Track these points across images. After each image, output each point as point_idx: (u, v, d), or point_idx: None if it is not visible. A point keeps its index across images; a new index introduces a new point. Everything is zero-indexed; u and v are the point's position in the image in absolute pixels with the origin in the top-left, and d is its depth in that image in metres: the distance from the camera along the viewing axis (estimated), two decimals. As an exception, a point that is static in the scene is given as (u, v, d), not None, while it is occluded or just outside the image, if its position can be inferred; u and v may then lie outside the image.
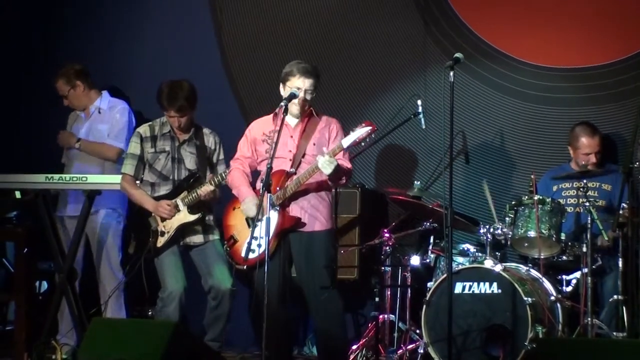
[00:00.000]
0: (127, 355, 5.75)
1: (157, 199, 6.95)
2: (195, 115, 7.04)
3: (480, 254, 7.04)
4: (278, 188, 6.30)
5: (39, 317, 7.11)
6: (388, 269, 7.26)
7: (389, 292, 7.25)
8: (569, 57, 7.57)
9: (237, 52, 8.24)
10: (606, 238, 6.83)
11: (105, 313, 7.43)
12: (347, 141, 6.22)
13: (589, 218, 6.67)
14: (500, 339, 6.66)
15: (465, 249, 7.14)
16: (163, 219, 6.92)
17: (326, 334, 6.39)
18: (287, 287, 6.39)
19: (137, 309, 7.74)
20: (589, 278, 6.65)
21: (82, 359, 5.96)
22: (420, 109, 7.49)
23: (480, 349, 6.69)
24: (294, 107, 6.36)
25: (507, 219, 7.05)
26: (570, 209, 7.17)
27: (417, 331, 7.07)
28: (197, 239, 6.97)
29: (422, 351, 6.93)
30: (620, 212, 6.40)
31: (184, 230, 6.94)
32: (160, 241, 6.92)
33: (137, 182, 7.02)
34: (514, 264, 7.10)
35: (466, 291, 6.79)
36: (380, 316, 7.20)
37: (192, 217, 6.91)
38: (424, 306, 6.83)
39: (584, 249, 6.73)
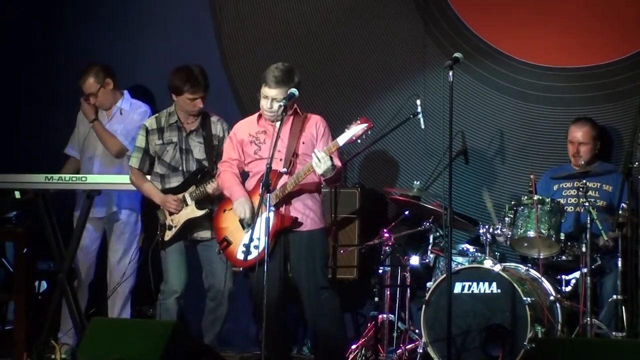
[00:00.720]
0: (126, 355, 5.75)
1: (167, 191, 6.95)
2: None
3: (479, 254, 7.04)
4: (272, 189, 6.26)
5: (39, 317, 7.12)
6: (387, 268, 7.26)
7: (388, 292, 7.26)
8: (569, 57, 7.57)
9: (237, 52, 8.24)
10: (605, 238, 6.84)
11: (112, 312, 7.43)
12: (343, 139, 6.19)
13: (589, 218, 6.67)
14: (500, 338, 6.65)
15: (465, 249, 7.14)
16: (171, 213, 6.93)
17: (325, 334, 6.38)
18: (285, 287, 6.39)
19: (136, 308, 7.74)
20: (589, 278, 6.65)
21: (81, 358, 5.96)
22: (419, 109, 7.48)
23: (480, 349, 6.69)
24: (265, 113, 6.35)
25: (506, 219, 7.05)
26: (570, 209, 7.17)
27: (417, 331, 7.07)
28: (205, 234, 6.97)
29: (421, 351, 6.93)
30: (620, 212, 6.40)
31: (192, 224, 6.95)
32: (168, 235, 6.93)
33: (148, 176, 7.02)
34: (513, 264, 7.10)
35: (465, 291, 6.79)
36: (380, 316, 7.20)
37: (200, 213, 6.90)
38: (423, 306, 6.83)
39: (584, 249, 6.73)
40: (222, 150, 6.79)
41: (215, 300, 6.99)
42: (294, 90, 6.28)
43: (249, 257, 6.17)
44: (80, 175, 7.22)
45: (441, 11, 7.84)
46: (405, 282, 7.30)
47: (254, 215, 6.16)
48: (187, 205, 6.91)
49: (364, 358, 7.17)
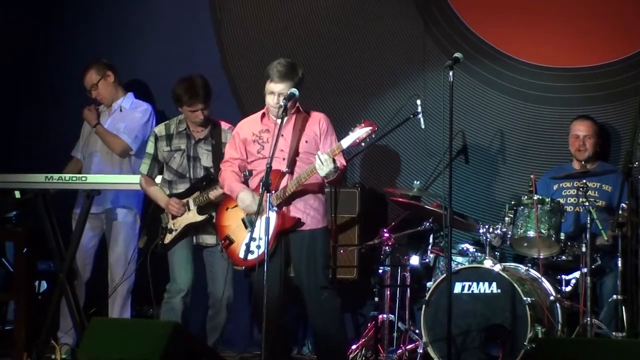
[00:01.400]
0: (126, 355, 5.74)
1: (173, 196, 6.96)
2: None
3: (479, 254, 7.04)
4: (274, 191, 6.26)
5: (39, 317, 7.12)
6: (387, 268, 7.26)
7: (388, 292, 7.26)
8: (569, 57, 7.57)
9: (237, 52, 8.24)
10: (605, 238, 6.84)
11: (112, 312, 7.43)
12: (346, 141, 6.18)
13: (589, 218, 6.68)
14: (500, 338, 6.66)
15: (465, 248, 7.14)
16: (174, 217, 6.94)
17: (325, 334, 6.38)
18: (286, 288, 6.39)
19: (136, 308, 7.74)
20: (588, 278, 6.65)
21: (81, 358, 5.96)
22: (419, 109, 7.49)
23: (480, 349, 6.70)
24: (272, 109, 6.34)
25: (506, 218, 7.05)
26: (570, 209, 7.17)
27: (417, 331, 7.07)
28: (210, 239, 6.97)
29: (421, 351, 6.93)
30: (620, 212, 6.40)
31: (193, 229, 6.95)
32: (168, 238, 6.94)
33: (158, 182, 7.05)
34: (513, 264, 7.10)
35: (465, 291, 6.79)
36: (380, 316, 7.20)
37: (200, 218, 6.91)
38: (423, 306, 6.83)
39: (584, 249, 6.73)
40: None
41: (214, 307, 7.02)
42: (294, 90, 6.27)
43: (251, 257, 6.17)
44: (80, 175, 7.22)
45: (441, 11, 7.84)
46: (405, 282, 7.30)
47: (257, 210, 6.13)
48: (189, 210, 6.92)
49: (364, 358, 7.17)
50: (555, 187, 7.28)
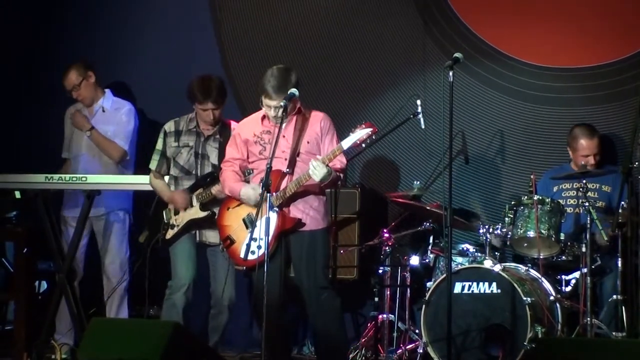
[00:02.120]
0: (126, 355, 5.75)
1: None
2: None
3: (479, 254, 7.04)
4: (275, 191, 6.27)
5: (39, 317, 7.12)
6: (387, 268, 7.26)
7: (388, 292, 7.26)
8: (569, 57, 7.57)
9: (237, 52, 8.24)
10: (605, 238, 6.84)
11: (110, 312, 7.43)
12: (347, 143, 6.18)
13: (589, 218, 6.68)
14: (500, 338, 6.66)
15: (465, 249, 7.15)
16: (176, 212, 6.95)
17: (325, 334, 6.38)
18: (286, 288, 6.39)
19: (136, 308, 7.74)
20: (588, 278, 6.65)
21: (81, 358, 5.96)
22: (419, 109, 7.49)
23: (480, 349, 6.70)
24: (272, 118, 6.33)
25: (506, 219, 7.05)
26: (570, 209, 7.17)
27: (417, 331, 7.07)
28: (213, 238, 6.95)
29: (421, 351, 6.93)
30: (620, 212, 6.40)
31: (195, 225, 6.95)
32: (170, 233, 6.95)
33: (166, 177, 7.06)
34: (513, 264, 7.11)
35: (465, 291, 6.79)
36: (380, 316, 7.20)
37: (202, 214, 6.91)
38: (423, 306, 6.83)
39: (583, 249, 6.73)
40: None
41: (216, 307, 7.03)
42: (294, 90, 6.26)
43: (252, 257, 6.17)
44: (80, 175, 7.21)
45: (441, 11, 7.84)
46: (405, 282, 7.30)
47: (261, 200, 6.13)
48: (192, 206, 6.93)
49: (364, 358, 7.17)
50: (555, 187, 7.28)
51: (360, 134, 6.15)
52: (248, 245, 6.10)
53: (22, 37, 8.47)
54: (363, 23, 7.99)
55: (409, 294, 7.27)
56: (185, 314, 6.90)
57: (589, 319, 6.61)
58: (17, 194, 7.12)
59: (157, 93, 8.11)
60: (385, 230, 7.27)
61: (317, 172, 6.14)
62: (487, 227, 7.06)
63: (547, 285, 6.88)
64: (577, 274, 6.92)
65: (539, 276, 6.93)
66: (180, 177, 7.01)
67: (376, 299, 7.14)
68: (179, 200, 6.93)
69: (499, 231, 7.03)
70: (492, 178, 7.69)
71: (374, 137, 6.20)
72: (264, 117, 6.45)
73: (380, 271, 7.27)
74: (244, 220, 6.41)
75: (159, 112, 7.79)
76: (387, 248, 7.24)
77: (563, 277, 7.02)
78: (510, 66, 7.67)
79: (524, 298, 6.62)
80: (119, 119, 7.62)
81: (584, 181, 6.80)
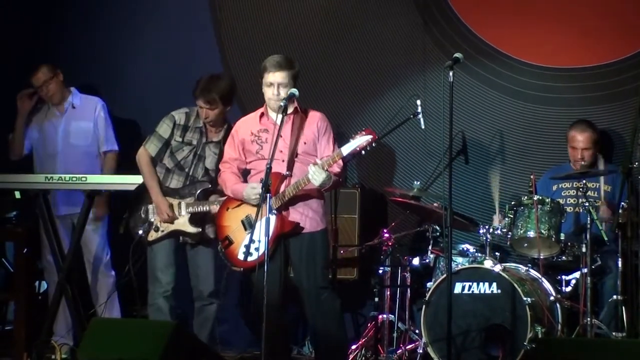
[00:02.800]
0: (126, 355, 5.75)
1: (165, 189, 6.93)
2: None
3: (479, 254, 7.04)
4: (273, 196, 6.26)
5: (39, 317, 7.12)
6: (387, 268, 7.26)
7: (388, 292, 7.26)
8: (569, 57, 7.57)
9: (237, 52, 8.24)
10: (605, 238, 6.84)
11: (103, 312, 7.43)
12: (346, 149, 6.16)
13: (589, 218, 6.67)
14: (500, 339, 6.66)
15: (465, 249, 7.14)
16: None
17: (325, 334, 6.38)
18: (286, 289, 6.39)
19: (135, 308, 7.72)
20: (589, 278, 6.65)
21: (81, 358, 5.96)
22: (419, 109, 7.49)
23: (480, 349, 6.70)
24: (272, 102, 6.32)
25: (506, 219, 7.05)
26: (570, 209, 7.17)
27: (417, 331, 7.07)
28: (193, 238, 6.94)
29: (421, 351, 6.93)
30: (620, 212, 6.40)
31: (186, 236, 6.92)
32: (152, 235, 6.90)
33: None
34: (513, 264, 7.11)
35: (466, 291, 6.79)
36: (380, 316, 7.20)
37: (191, 230, 6.88)
38: (423, 306, 6.83)
39: (584, 249, 6.73)
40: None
41: (199, 301, 6.99)
42: (294, 90, 6.27)
43: (250, 258, 6.17)
44: (80, 175, 7.17)
45: (441, 11, 7.84)
46: (405, 282, 7.30)
47: (258, 210, 6.12)
48: (180, 214, 6.89)
49: (364, 358, 7.17)
50: (554, 187, 7.27)
51: (360, 141, 6.14)
52: (247, 247, 6.10)
53: (22, 37, 8.46)
54: (363, 23, 7.99)
55: (409, 294, 7.27)
56: (172, 316, 6.88)
57: (589, 319, 6.61)
58: (17, 194, 7.12)
59: (157, 93, 8.10)
60: (385, 230, 7.27)
61: (316, 177, 6.14)
62: (487, 227, 7.06)
63: (547, 285, 6.88)
64: (577, 274, 6.92)
65: (539, 276, 6.93)
66: (172, 170, 6.96)
67: (376, 299, 7.14)
68: (164, 215, 6.85)
69: (498, 231, 7.03)
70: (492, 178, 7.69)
71: (374, 144, 6.18)
72: (262, 115, 6.44)
73: (380, 271, 7.27)
74: (242, 221, 6.41)
75: (159, 112, 7.75)
76: (387, 248, 7.23)
77: (563, 277, 7.02)
78: (510, 66, 7.67)
79: (524, 298, 6.62)
80: (96, 116, 7.66)
81: (584, 181, 6.80)
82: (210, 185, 6.92)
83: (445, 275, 6.54)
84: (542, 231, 6.85)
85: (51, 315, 7.14)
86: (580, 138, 7.18)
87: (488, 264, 6.85)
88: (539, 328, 6.62)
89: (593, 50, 7.52)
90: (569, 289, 6.99)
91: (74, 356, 7.06)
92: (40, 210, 7.04)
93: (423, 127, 7.51)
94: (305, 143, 6.36)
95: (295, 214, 6.33)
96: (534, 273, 6.97)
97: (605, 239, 6.85)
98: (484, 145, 7.73)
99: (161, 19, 8.39)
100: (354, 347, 7.23)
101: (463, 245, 7.19)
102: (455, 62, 6.14)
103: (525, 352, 6.56)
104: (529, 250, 7.03)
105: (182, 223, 6.88)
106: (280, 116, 6.22)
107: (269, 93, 6.32)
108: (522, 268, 7.02)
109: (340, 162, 6.29)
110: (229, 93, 6.92)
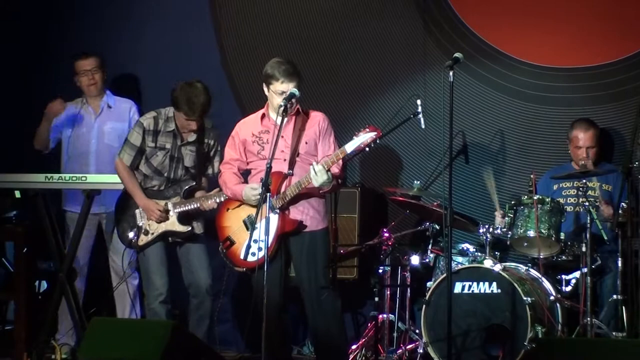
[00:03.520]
0: (126, 355, 5.75)
1: (147, 191, 6.91)
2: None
3: (479, 254, 7.04)
4: (276, 195, 6.26)
5: (39, 317, 7.11)
6: (387, 268, 7.26)
7: (388, 292, 7.26)
8: (569, 57, 7.57)
9: (237, 52, 8.24)
10: (606, 238, 6.84)
11: (123, 312, 7.42)
12: (350, 146, 6.15)
13: (589, 218, 6.67)
14: (500, 338, 6.66)
15: (465, 248, 7.14)
16: (149, 217, 6.90)
17: (325, 334, 6.38)
18: (286, 289, 6.39)
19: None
20: (589, 278, 6.65)
21: (81, 358, 5.97)
22: (419, 109, 7.49)
23: (480, 349, 6.70)
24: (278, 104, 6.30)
25: (506, 218, 7.05)
26: (570, 208, 7.17)
27: (417, 331, 7.07)
28: (183, 236, 6.93)
29: (421, 351, 6.93)
30: (620, 211, 6.40)
31: (176, 237, 6.90)
32: (143, 239, 6.88)
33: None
34: (513, 264, 7.10)
35: (465, 291, 6.79)
36: (380, 316, 7.20)
37: (182, 229, 6.86)
38: (424, 306, 6.83)
39: (584, 249, 6.73)
40: (211, 156, 6.92)
41: (197, 297, 6.94)
42: (294, 90, 6.27)
43: (252, 258, 6.16)
44: (80, 175, 7.19)
45: (441, 11, 7.84)
46: (405, 282, 7.30)
47: (258, 210, 6.12)
48: (169, 215, 6.87)
49: (364, 358, 7.17)
50: (555, 186, 7.28)
51: (364, 137, 6.12)
52: (248, 247, 6.10)
53: (22, 37, 8.47)
54: (363, 23, 7.98)
55: (409, 294, 7.27)
56: (170, 319, 6.88)
57: (589, 319, 6.61)
58: (17, 194, 7.12)
59: (157, 93, 8.08)
60: (385, 230, 7.27)
61: (318, 177, 6.13)
62: (487, 227, 7.06)
63: (547, 285, 6.88)
64: (577, 274, 6.92)
65: (539, 276, 6.93)
66: (150, 176, 6.94)
67: (376, 299, 7.13)
68: (155, 216, 6.83)
69: (498, 231, 7.03)
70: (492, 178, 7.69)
71: (377, 141, 6.17)
72: (263, 116, 6.44)
73: (380, 271, 7.27)
74: (244, 221, 6.41)
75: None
76: (387, 248, 7.23)
77: (563, 277, 7.02)
78: (510, 66, 7.67)
79: (524, 298, 6.62)
80: (131, 118, 7.65)
81: (584, 180, 6.80)
82: (194, 183, 6.92)
83: (445, 275, 6.54)
84: (542, 231, 6.85)
85: (51, 315, 7.14)
86: (584, 137, 7.18)
87: (488, 263, 6.86)
88: (539, 328, 6.62)
89: (593, 50, 7.52)
90: (569, 288, 6.99)
91: (74, 356, 7.06)
92: (40, 210, 7.05)
93: (423, 126, 7.51)
94: (306, 143, 6.36)
95: (297, 213, 6.33)
96: (534, 273, 6.97)
97: (605, 238, 6.85)
98: (484, 145, 7.73)
99: (161, 19, 8.39)
100: (354, 347, 7.23)
101: (463, 245, 7.19)
102: (455, 62, 6.14)
103: (525, 352, 6.56)
104: (529, 250, 7.03)
105: (172, 223, 6.87)
106: (279, 117, 6.22)
107: (278, 100, 6.29)
108: (522, 268, 7.02)
109: (340, 162, 6.29)
110: (210, 99, 6.83)
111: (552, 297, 6.83)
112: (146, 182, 6.95)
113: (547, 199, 6.92)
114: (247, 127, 6.50)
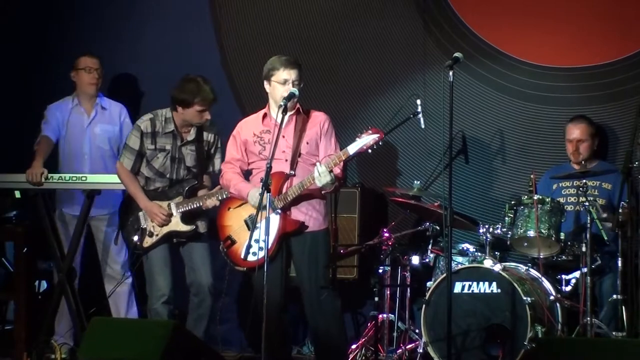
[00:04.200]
0: (126, 355, 5.75)
1: (151, 194, 6.92)
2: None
3: (479, 254, 7.04)
4: (278, 194, 6.27)
5: (39, 317, 7.12)
6: (387, 268, 7.26)
7: (388, 292, 7.26)
8: (569, 56, 7.57)
9: (237, 52, 8.24)
10: (605, 238, 6.84)
11: (119, 312, 7.40)
12: (353, 148, 6.15)
13: (589, 217, 6.67)
14: (500, 338, 6.66)
15: (465, 248, 7.14)
16: (153, 219, 6.91)
17: (325, 334, 6.38)
18: (286, 289, 6.39)
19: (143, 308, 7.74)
20: (588, 278, 6.65)
21: (81, 358, 5.97)
22: (419, 109, 7.49)
23: (480, 349, 6.70)
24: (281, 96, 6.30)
25: (506, 218, 7.05)
26: (570, 208, 7.17)
27: (417, 331, 7.07)
28: (186, 236, 6.93)
29: (421, 351, 6.93)
30: (620, 211, 6.40)
31: (180, 237, 6.90)
32: (147, 241, 6.88)
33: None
34: (513, 264, 7.11)
35: (465, 291, 6.79)
36: (380, 316, 7.20)
37: (185, 228, 6.87)
38: (423, 306, 6.83)
39: (584, 249, 6.73)
40: (212, 153, 6.91)
41: (199, 295, 6.93)
42: (294, 90, 6.27)
43: (253, 258, 6.16)
44: (80, 175, 7.20)
45: (441, 11, 7.84)
46: (405, 282, 7.30)
47: (259, 209, 6.11)
48: (172, 216, 6.88)
49: (364, 358, 7.17)
50: (554, 186, 7.28)
51: (367, 139, 6.12)
52: (249, 246, 6.10)
53: (22, 37, 8.47)
54: (363, 23, 7.98)
55: (409, 294, 7.27)
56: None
57: (589, 318, 6.61)
58: (17, 194, 7.12)
59: (157, 93, 8.09)
60: (385, 230, 7.27)
61: (321, 178, 6.13)
62: (487, 227, 7.06)
63: (547, 285, 6.88)
64: (577, 274, 6.92)
65: (539, 276, 6.93)
66: (152, 178, 6.94)
67: (376, 299, 7.13)
68: (158, 219, 6.83)
69: (499, 231, 7.03)
70: (492, 178, 7.68)
71: (380, 143, 6.17)
72: (264, 115, 6.44)
73: (380, 271, 7.27)
74: (245, 221, 6.41)
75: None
76: (387, 248, 7.24)
77: (563, 276, 7.02)
78: (510, 66, 7.67)
79: (524, 298, 6.62)
80: (123, 123, 7.65)
81: (584, 180, 6.80)
82: (196, 182, 6.92)
83: (445, 275, 6.54)
84: (542, 230, 6.85)
85: (51, 315, 7.15)
86: (575, 131, 7.20)
87: (488, 263, 6.86)
88: (539, 328, 6.62)
89: (593, 50, 7.52)
90: (569, 288, 6.99)
91: (74, 356, 7.06)
92: (40, 210, 7.05)
93: (423, 126, 7.52)
94: (307, 143, 6.36)
95: (299, 214, 6.33)
96: (534, 272, 6.97)
97: (605, 238, 6.85)
98: (484, 145, 7.73)
99: (161, 19, 8.40)
100: (354, 346, 7.23)
101: (463, 245, 7.19)
102: (455, 62, 6.14)
103: (525, 351, 6.56)
104: (529, 250, 7.03)
105: (175, 223, 6.87)
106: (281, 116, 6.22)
107: (281, 90, 6.29)
108: (522, 267, 7.02)
109: (341, 163, 6.29)
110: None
111: (552, 297, 6.83)
112: (149, 184, 6.95)
113: (547, 199, 6.92)
114: (248, 127, 6.49)
